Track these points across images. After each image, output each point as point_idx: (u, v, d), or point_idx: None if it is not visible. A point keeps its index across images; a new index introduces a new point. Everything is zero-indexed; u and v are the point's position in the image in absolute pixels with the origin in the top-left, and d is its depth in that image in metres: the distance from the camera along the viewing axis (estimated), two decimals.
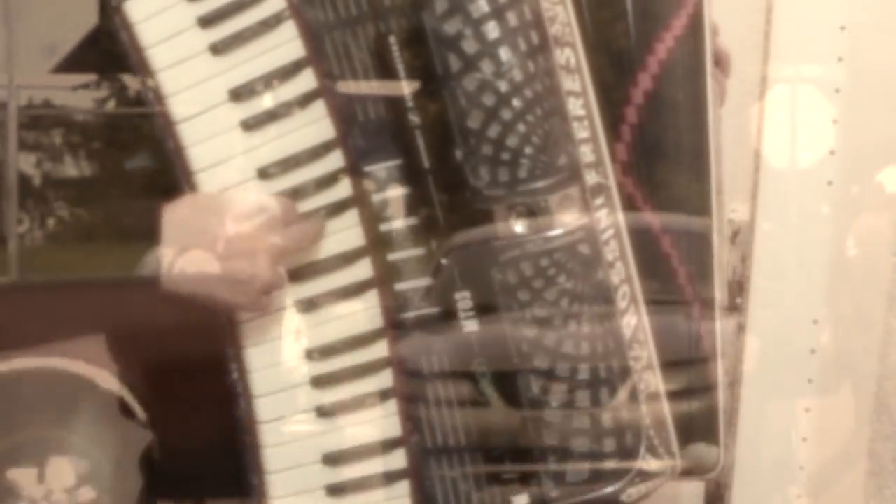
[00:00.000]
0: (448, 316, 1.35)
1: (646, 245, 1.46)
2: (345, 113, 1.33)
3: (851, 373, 1.77)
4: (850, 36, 1.64)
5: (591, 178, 1.36)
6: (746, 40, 1.67)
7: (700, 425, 1.52)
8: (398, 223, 1.35)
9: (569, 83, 1.34)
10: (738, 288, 1.65)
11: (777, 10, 1.53)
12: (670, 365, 1.44)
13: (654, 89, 1.45)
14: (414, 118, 1.31)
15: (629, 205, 1.43)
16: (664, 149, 1.47)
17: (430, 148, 1.32)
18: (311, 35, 1.33)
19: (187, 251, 1.27)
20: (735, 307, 1.64)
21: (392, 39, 1.30)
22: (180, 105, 1.30)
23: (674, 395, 1.45)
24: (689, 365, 1.52)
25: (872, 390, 1.77)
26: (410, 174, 1.33)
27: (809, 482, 1.77)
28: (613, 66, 1.44)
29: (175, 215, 1.28)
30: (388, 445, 1.39)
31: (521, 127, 1.30)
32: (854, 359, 1.77)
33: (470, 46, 1.29)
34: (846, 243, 1.72)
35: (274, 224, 1.29)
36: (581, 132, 1.35)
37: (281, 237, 1.30)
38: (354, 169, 1.35)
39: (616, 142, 1.42)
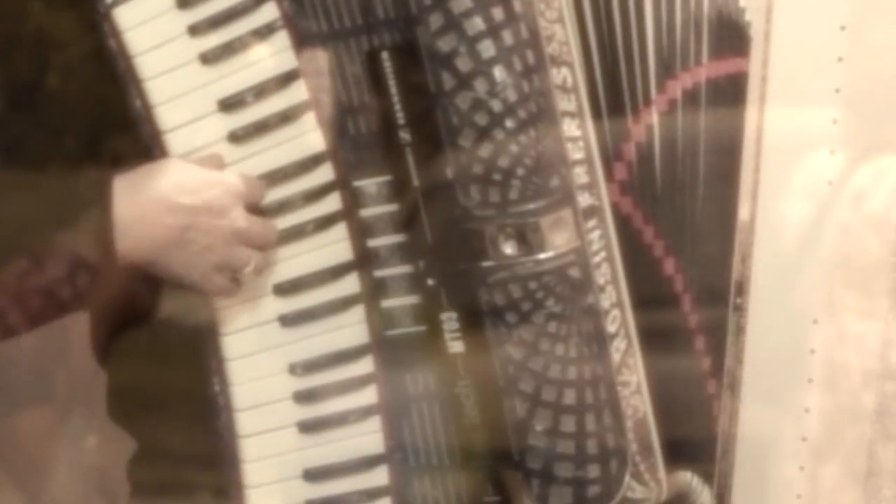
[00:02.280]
0: (433, 335, 1.33)
1: (645, 268, 1.44)
2: (335, 126, 1.31)
3: (851, 373, 1.75)
4: (850, 36, 1.61)
5: (584, 200, 1.34)
6: None
7: (692, 454, 1.50)
8: (386, 240, 1.33)
9: (564, 103, 1.32)
10: (738, 288, 1.62)
11: (777, 10, 1.50)
12: (667, 406, 1.42)
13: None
14: (404, 135, 1.29)
15: (626, 226, 1.41)
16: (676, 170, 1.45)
17: (420, 166, 1.30)
18: (304, 46, 1.30)
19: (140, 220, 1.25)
20: (735, 307, 1.62)
21: (385, 55, 1.27)
22: (168, 114, 1.28)
23: (669, 427, 1.43)
24: (687, 406, 1.50)
25: (872, 390, 1.75)
26: (399, 191, 1.31)
27: (809, 482, 1.75)
28: (620, 86, 1.41)
29: (127, 183, 1.25)
30: (370, 462, 1.37)
31: (513, 147, 1.28)
32: (854, 359, 1.75)
33: (464, 64, 1.27)
34: (846, 243, 1.70)
35: (234, 200, 1.26)
36: (575, 153, 1.33)
37: (241, 215, 1.27)
38: (344, 183, 1.32)
39: (616, 160, 1.40)
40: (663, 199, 1.45)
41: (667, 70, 1.44)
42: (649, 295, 1.44)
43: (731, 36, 1.50)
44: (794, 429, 1.64)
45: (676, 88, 1.46)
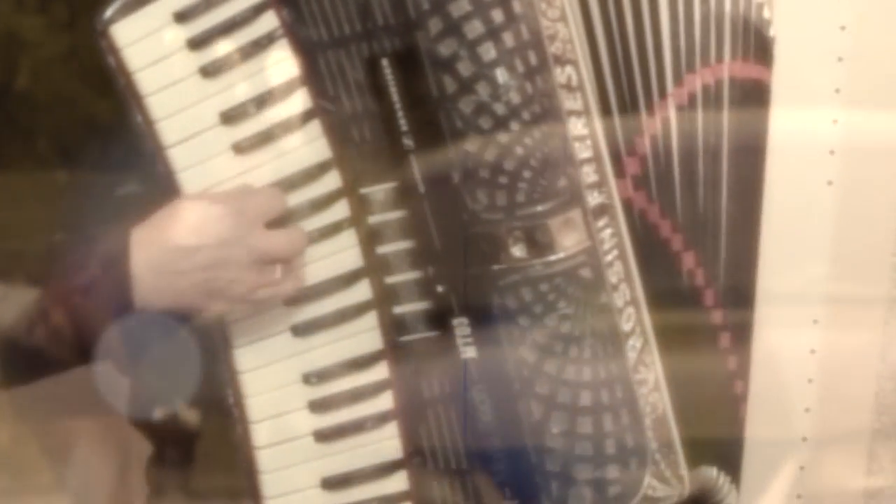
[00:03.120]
0: (446, 342, 1.32)
1: (663, 262, 1.42)
2: (340, 133, 1.30)
3: (851, 373, 1.74)
4: (850, 36, 1.60)
5: (593, 199, 1.32)
6: None
7: (717, 451, 1.49)
8: (394, 246, 1.32)
9: (570, 102, 1.30)
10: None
11: (777, 10, 1.48)
12: (691, 405, 1.40)
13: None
14: (408, 142, 1.27)
15: (642, 221, 1.39)
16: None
17: (426, 172, 1.28)
18: (305, 54, 1.29)
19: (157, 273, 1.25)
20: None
21: (384, 62, 1.25)
22: (170, 129, 1.28)
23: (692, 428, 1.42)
24: (712, 406, 1.49)
25: (872, 390, 1.75)
26: (405, 198, 1.30)
27: (809, 482, 1.75)
28: (633, 80, 1.40)
29: (142, 237, 1.25)
30: (388, 468, 1.37)
31: (518, 150, 1.27)
32: (854, 359, 1.74)
33: (465, 68, 1.26)
34: (846, 243, 1.69)
35: (250, 225, 1.26)
36: (583, 152, 1.31)
37: (260, 238, 1.26)
38: (351, 189, 1.31)
39: (629, 155, 1.38)
40: (682, 194, 1.42)
41: (685, 64, 1.42)
42: (669, 289, 1.43)
43: (755, 44, 1.48)
44: (794, 429, 1.63)
45: (696, 82, 1.43)
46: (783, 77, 1.51)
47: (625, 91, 1.38)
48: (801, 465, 1.77)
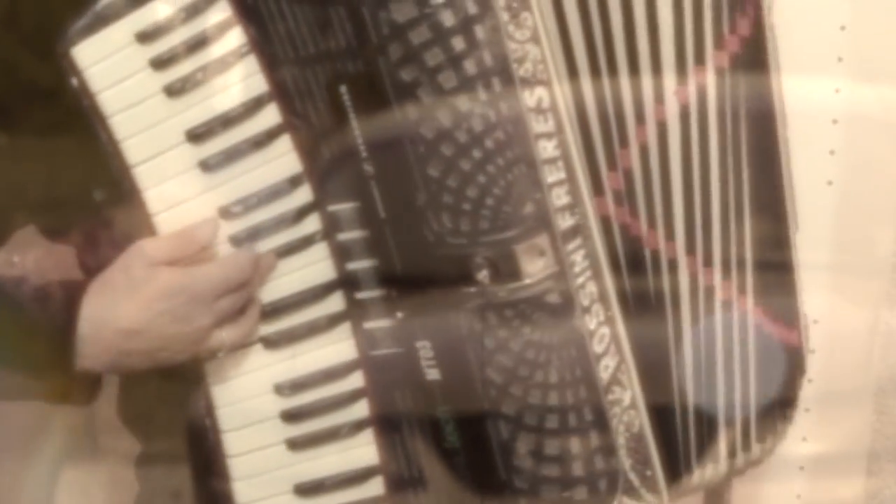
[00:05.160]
0: (411, 362, 1.32)
1: (651, 269, 1.40)
2: (310, 148, 1.29)
3: (851, 373, 1.71)
4: (850, 36, 1.56)
5: (564, 221, 1.29)
6: None
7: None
8: (360, 263, 1.31)
9: (539, 125, 1.27)
10: None
11: (777, 10, 1.43)
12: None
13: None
14: (368, 168, 1.26)
15: (625, 235, 1.36)
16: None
17: (387, 196, 1.27)
18: (272, 70, 1.27)
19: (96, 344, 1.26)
20: None
21: (343, 89, 1.24)
22: (135, 149, 1.28)
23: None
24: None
25: (872, 390, 1.72)
26: (367, 220, 1.29)
27: (809, 482, 1.74)
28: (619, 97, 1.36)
29: (92, 300, 1.26)
30: (364, 474, 1.38)
31: (481, 178, 1.25)
32: (854, 359, 1.71)
33: (427, 95, 1.23)
34: (846, 243, 1.65)
35: (205, 301, 1.26)
36: (553, 174, 1.29)
37: (211, 314, 1.27)
38: (321, 203, 1.31)
39: (610, 171, 1.35)
40: (673, 201, 1.39)
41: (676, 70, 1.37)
42: (660, 290, 1.40)
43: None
44: (794, 429, 1.61)
45: (685, 89, 1.39)
46: (783, 77, 1.46)
47: (604, 107, 1.33)
48: (800, 465, 1.76)
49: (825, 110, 1.62)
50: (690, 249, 1.40)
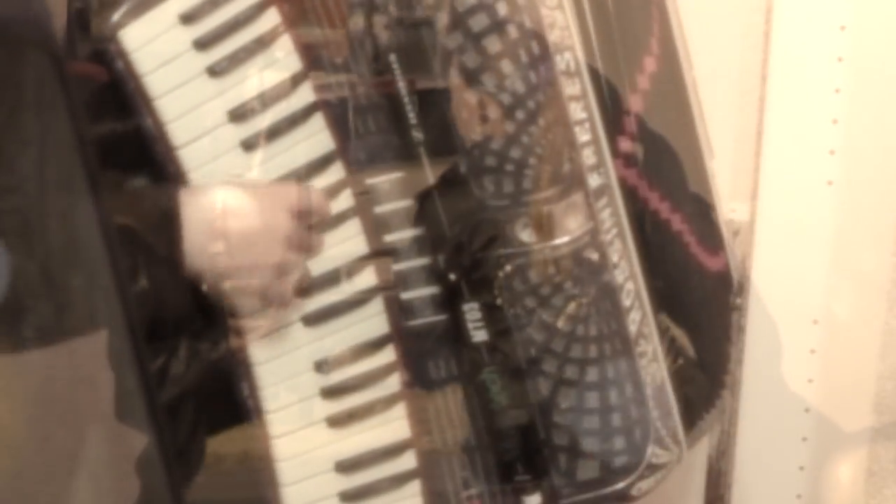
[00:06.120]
0: (456, 325, 1.35)
1: (659, 229, 1.46)
2: (345, 126, 1.32)
3: (851, 373, 1.77)
4: (850, 36, 1.62)
5: (593, 181, 1.35)
6: (746, 40, 1.65)
7: (703, 397, 1.54)
8: (402, 234, 1.34)
9: (569, 88, 1.33)
10: (739, 288, 1.65)
11: (777, 10, 1.51)
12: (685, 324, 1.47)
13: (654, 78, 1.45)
14: (417, 134, 1.30)
15: (633, 196, 1.43)
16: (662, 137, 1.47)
17: (434, 162, 1.31)
18: (308, 49, 1.30)
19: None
20: (735, 307, 1.65)
21: (392, 58, 1.27)
22: (180, 130, 1.28)
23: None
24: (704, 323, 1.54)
25: (872, 390, 1.78)
26: (415, 188, 1.32)
27: (809, 482, 1.79)
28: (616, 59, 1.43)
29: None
30: (398, 448, 1.39)
31: (524, 139, 1.30)
32: (854, 359, 1.77)
33: (471, 60, 1.27)
34: (846, 243, 1.72)
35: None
36: (583, 135, 1.35)
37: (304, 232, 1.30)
38: (355, 180, 1.33)
39: (619, 134, 1.41)
40: (660, 163, 1.47)
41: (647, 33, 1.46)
42: (665, 254, 1.47)
43: None
44: (794, 429, 1.66)
45: (653, 50, 1.48)
46: (783, 77, 1.53)
47: (612, 71, 1.41)
48: (800, 465, 1.79)
49: (825, 110, 1.67)
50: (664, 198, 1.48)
